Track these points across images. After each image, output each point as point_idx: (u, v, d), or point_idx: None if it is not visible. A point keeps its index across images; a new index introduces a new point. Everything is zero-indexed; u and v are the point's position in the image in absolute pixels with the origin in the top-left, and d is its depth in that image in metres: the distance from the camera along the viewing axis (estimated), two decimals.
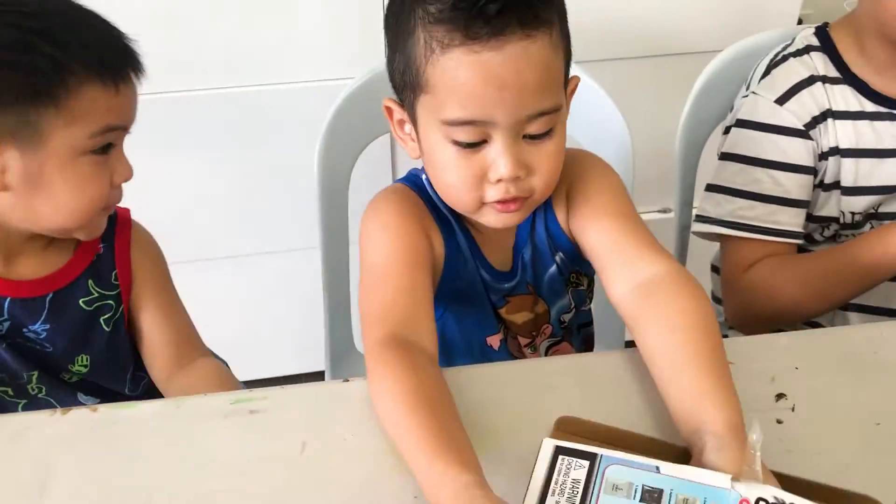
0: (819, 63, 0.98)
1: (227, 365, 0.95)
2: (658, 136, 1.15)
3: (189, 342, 0.89)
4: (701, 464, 0.58)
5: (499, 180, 0.71)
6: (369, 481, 0.62)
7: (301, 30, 1.26)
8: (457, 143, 0.70)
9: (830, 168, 0.98)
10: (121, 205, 0.83)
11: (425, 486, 0.58)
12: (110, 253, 0.85)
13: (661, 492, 0.54)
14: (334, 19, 1.18)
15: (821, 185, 0.99)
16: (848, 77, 0.97)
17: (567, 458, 0.56)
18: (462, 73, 0.66)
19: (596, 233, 0.78)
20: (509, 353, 0.87)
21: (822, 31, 1.00)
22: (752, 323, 1.00)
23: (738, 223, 0.97)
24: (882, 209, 1.01)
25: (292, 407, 0.69)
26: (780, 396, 0.70)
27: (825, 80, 0.97)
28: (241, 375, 0.95)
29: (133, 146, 1.23)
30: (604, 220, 0.78)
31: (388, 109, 0.77)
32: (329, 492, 0.62)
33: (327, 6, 1.24)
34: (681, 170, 1.12)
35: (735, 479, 0.55)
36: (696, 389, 0.63)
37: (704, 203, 1.01)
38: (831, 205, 1.00)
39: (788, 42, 1.01)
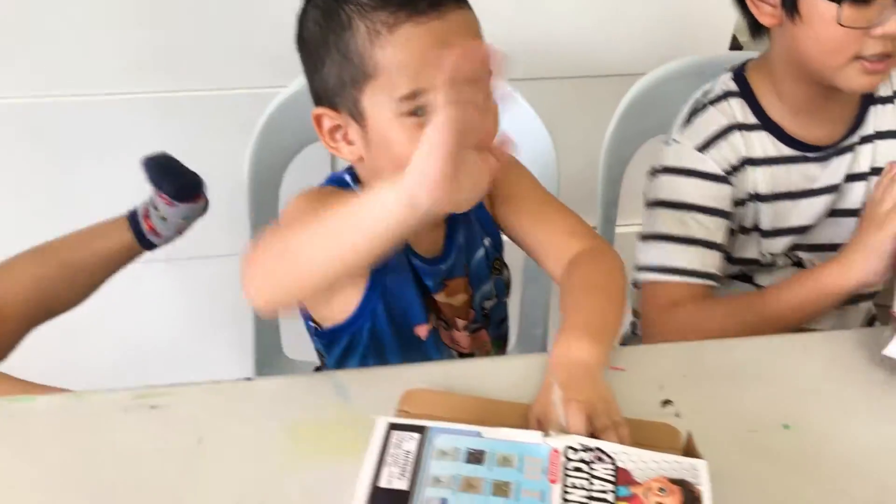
0: (737, 110, 1.00)
1: None
2: (583, 154, 1.18)
3: None
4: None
5: None
6: (261, 479, 0.64)
7: (238, 37, 1.29)
8: (412, 114, 0.73)
9: (749, 213, 1.01)
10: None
11: (376, 209, 0.62)
12: None
13: (482, 453, 0.60)
14: (272, 27, 1.20)
15: (740, 230, 1.02)
16: (765, 122, 0.99)
17: (399, 432, 0.61)
18: (413, 45, 0.71)
19: (527, 225, 0.87)
20: (438, 343, 0.89)
21: (739, 76, 1.02)
22: None
23: (666, 268, 0.98)
24: (797, 242, 1.04)
25: (193, 403, 0.71)
26: (666, 402, 0.73)
27: (742, 127, 0.99)
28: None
29: (57, 151, 1.25)
30: (531, 212, 0.87)
31: (318, 119, 0.79)
32: (222, 487, 0.64)
33: (262, 15, 1.26)
34: (603, 188, 1.16)
35: (545, 434, 0.61)
36: (567, 321, 0.74)
37: (639, 253, 1.01)
38: (751, 247, 1.03)
39: (708, 88, 1.03)
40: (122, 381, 0.74)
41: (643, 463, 0.60)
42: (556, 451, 0.60)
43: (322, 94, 0.79)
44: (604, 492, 0.58)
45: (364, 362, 0.86)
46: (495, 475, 0.58)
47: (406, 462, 0.58)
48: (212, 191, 1.32)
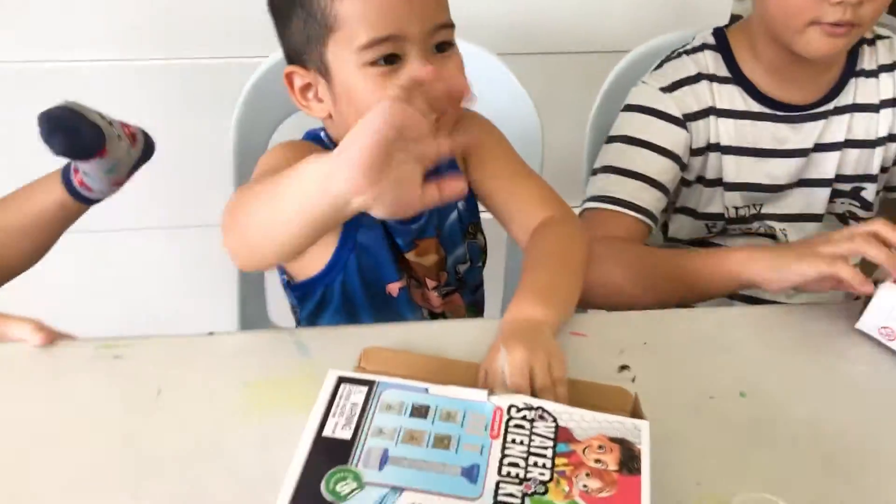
0: (710, 61, 1.01)
1: None
2: (569, 130, 1.18)
3: None
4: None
5: None
6: (216, 429, 0.66)
7: (225, 6, 1.29)
8: (374, 63, 0.75)
9: (711, 164, 1.01)
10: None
11: (304, 182, 0.60)
12: None
13: (427, 408, 0.60)
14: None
15: (702, 181, 1.03)
16: (737, 77, 1.01)
17: (348, 385, 0.62)
18: None
19: (497, 191, 0.88)
20: (410, 301, 0.90)
21: (719, 32, 1.04)
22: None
23: (604, 196, 0.98)
24: (765, 210, 1.05)
25: (155, 355, 0.72)
26: (623, 368, 0.74)
27: (713, 78, 1.01)
28: None
29: None
30: (502, 179, 0.88)
31: (289, 77, 0.81)
32: (178, 436, 0.65)
33: None
34: (588, 163, 1.15)
35: (491, 393, 0.62)
36: (521, 285, 0.75)
37: (588, 186, 1.03)
38: (716, 201, 1.04)
39: (690, 40, 1.05)
40: None
41: (585, 422, 0.61)
42: (499, 408, 0.61)
43: (292, 54, 0.80)
44: (543, 448, 0.58)
45: (336, 319, 0.88)
46: (438, 429, 0.59)
47: (352, 414, 0.59)
48: (200, 159, 1.34)
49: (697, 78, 1.00)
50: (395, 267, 0.88)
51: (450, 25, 0.78)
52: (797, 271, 0.81)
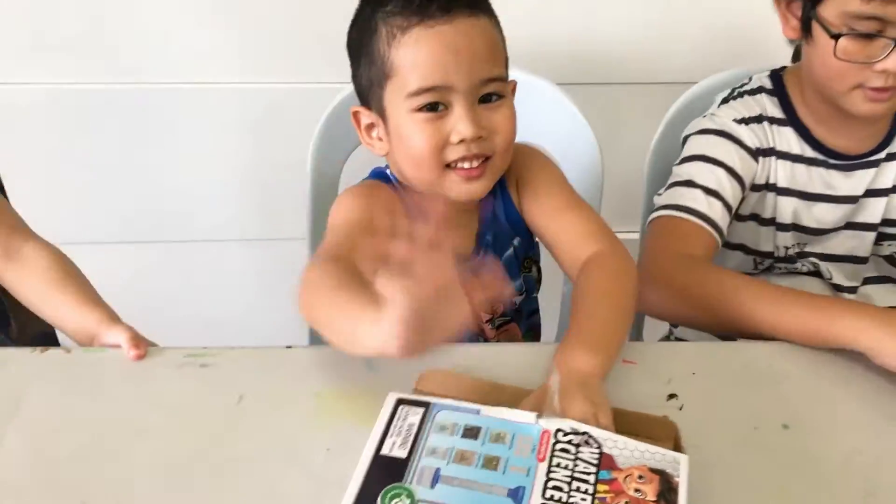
0: (768, 104, 1.03)
1: (59, 250, 0.94)
2: (629, 161, 1.21)
3: (14, 230, 0.92)
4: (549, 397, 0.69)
5: (461, 141, 0.82)
6: (288, 436, 0.72)
7: (305, 35, 1.37)
8: (421, 109, 0.81)
9: (768, 203, 1.03)
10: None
11: (357, 329, 0.63)
12: None
13: (479, 429, 0.65)
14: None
15: (756, 219, 1.04)
16: (793, 121, 1.02)
17: (406, 406, 0.67)
18: (422, 46, 0.80)
19: (548, 225, 0.92)
20: (468, 332, 0.94)
21: (776, 75, 1.05)
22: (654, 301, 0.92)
23: (677, 205, 0.97)
24: (809, 249, 1.07)
25: (237, 365, 0.80)
26: (671, 396, 0.77)
27: (772, 120, 1.02)
28: None
29: (147, 134, 1.33)
30: (554, 212, 0.91)
31: (356, 116, 0.89)
32: (255, 441, 0.72)
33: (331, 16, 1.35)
34: (648, 193, 1.18)
35: (539, 415, 0.66)
36: (572, 328, 0.78)
37: (658, 199, 1.02)
38: (768, 239, 1.05)
39: (746, 81, 1.07)
40: None
41: (628, 451, 0.65)
42: (546, 431, 0.65)
43: (360, 94, 0.88)
44: (587, 473, 0.63)
45: None
46: (487, 450, 0.63)
47: (409, 434, 0.65)
48: (280, 177, 1.43)
49: (760, 119, 1.02)
50: None
51: (500, 79, 0.83)
52: None
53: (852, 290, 1.09)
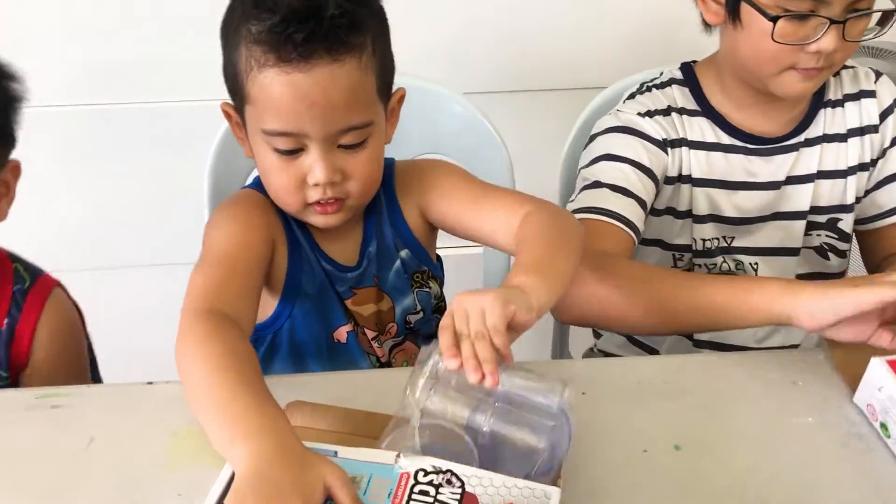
0: (679, 96, 1.01)
1: None
2: (540, 169, 1.17)
3: None
4: None
5: (316, 184, 0.77)
6: (141, 479, 0.67)
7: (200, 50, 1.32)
8: (277, 150, 0.77)
9: (683, 196, 1.00)
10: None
11: (226, 431, 0.60)
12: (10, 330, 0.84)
13: None
14: None
15: (672, 212, 1.01)
16: (706, 110, 1.00)
17: None
18: (275, 90, 0.73)
19: (467, 216, 0.88)
20: (359, 346, 0.90)
21: (687, 67, 1.03)
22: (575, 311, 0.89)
23: (590, 208, 0.93)
24: (737, 243, 1.03)
25: (91, 404, 0.74)
26: None
27: (683, 111, 1.00)
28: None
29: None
30: (468, 202, 0.88)
31: (227, 113, 0.82)
32: (103, 485, 0.66)
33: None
34: (562, 199, 1.14)
35: (399, 456, 0.61)
36: (516, 262, 0.75)
37: (569, 205, 0.98)
38: (685, 233, 1.02)
39: (657, 76, 1.04)
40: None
41: (493, 488, 0.60)
42: (406, 473, 0.60)
43: (227, 88, 0.80)
44: None
45: (285, 365, 0.88)
46: None
47: None
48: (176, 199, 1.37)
49: (668, 111, 0.99)
50: (341, 311, 0.88)
51: (361, 126, 0.77)
52: (853, 300, 0.73)
53: None
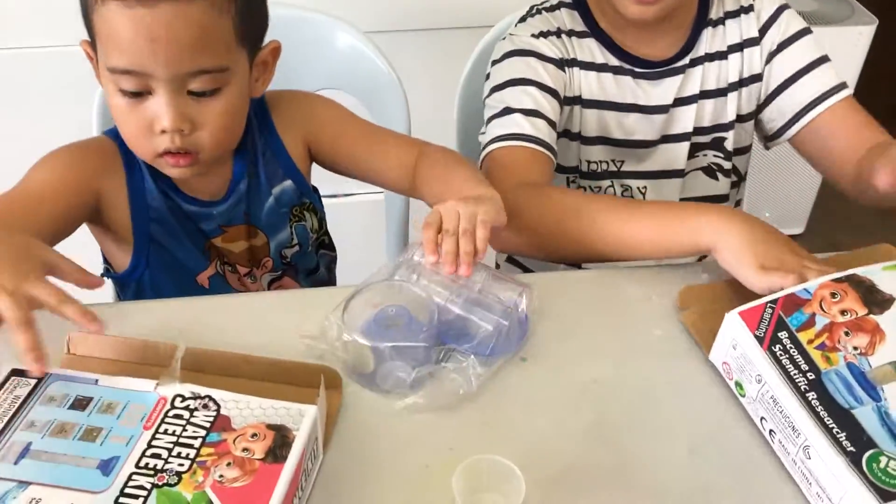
0: (567, 18, 0.97)
1: None
2: (437, 107, 1.14)
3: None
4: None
5: (163, 131, 0.75)
6: None
7: None
8: (123, 91, 0.74)
9: (574, 117, 0.97)
10: None
11: None
12: None
13: (90, 399, 0.60)
14: None
15: (567, 135, 0.98)
16: (595, 31, 0.96)
17: (17, 378, 0.62)
18: (117, 24, 0.71)
19: (359, 155, 0.90)
20: (228, 288, 0.89)
21: None
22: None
23: (506, 135, 0.91)
24: (626, 168, 0.99)
25: None
26: None
27: (572, 33, 0.96)
28: None
29: None
30: (360, 142, 0.90)
31: (87, 53, 0.79)
32: None
33: None
34: (459, 139, 1.12)
35: (159, 384, 0.61)
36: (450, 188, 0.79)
37: (483, 137, 0.96)
38: (572, 154, 0.99)
39: (545, 0, 1.00)
40: None
41: (249, 410, 0.59)
42: (163, 398, 0.60)
43: (84, 18, 0.76)
44: (193, 437, 0.57)
45: None
46: (91, 421, 0.58)
47: (10, 407, 0.59)
48: None
49: (559, 33, 0.96)
50: (202, 255, 0.87)
51: (213, 71, 0.74)
52: (749, 280, 0.71)
53: None
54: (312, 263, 0.97)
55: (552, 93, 0.93)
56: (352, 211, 1.46)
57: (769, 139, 1.00)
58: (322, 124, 0.90)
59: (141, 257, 0.86)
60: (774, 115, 0.97)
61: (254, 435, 0.57)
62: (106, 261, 0.91)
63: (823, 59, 0.95)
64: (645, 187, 0.99)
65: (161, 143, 0.76)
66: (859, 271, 0.70)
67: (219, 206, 0.87)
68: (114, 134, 0.84)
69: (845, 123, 0.92)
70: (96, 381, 0.62)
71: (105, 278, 0.90)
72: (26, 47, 1.38)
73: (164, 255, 0.86)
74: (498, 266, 1.11)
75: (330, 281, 1.03)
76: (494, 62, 0.98)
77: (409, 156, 0.88)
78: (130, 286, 0.88)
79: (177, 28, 0.70)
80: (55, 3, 1.28)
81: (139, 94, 0.74)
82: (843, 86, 0.94)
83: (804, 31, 0.95)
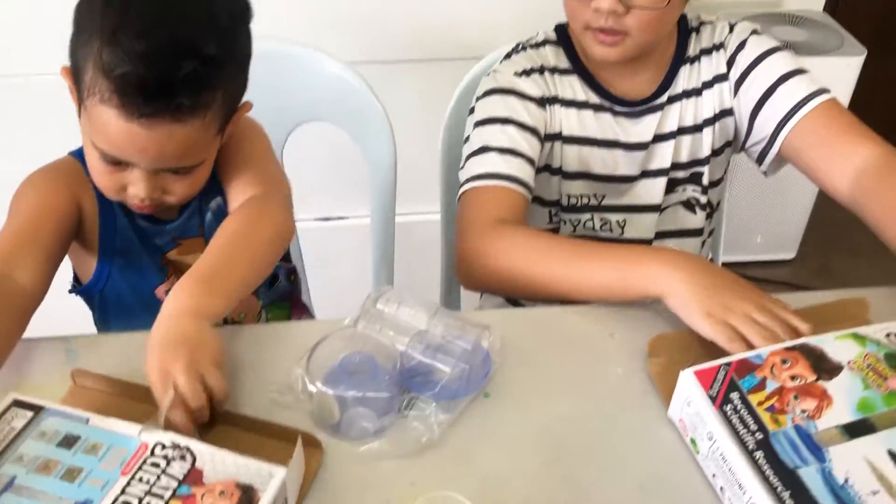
0: (551, 55, 1.02)
1: None
2: (423, 138, 1.17)
3: None
4: None
5: (136, 195, 0.81)
6: None
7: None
8: (103, 157, 0.78)
9: (556, 153, 1.01)
10: None
11: None
12: None
13: (77, 438, 0.65)
14: None
15: (549, 170, 1.03)
16: (579, 69, 1.00)
17: (17, 409, 0.66)
18: (111, 127, 0.75)
19: (226, 182, 0.89)
20: None
21: (561, 29, 1.03)
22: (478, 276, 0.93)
23: (483, 174, 0.95)
24: (607, 202, 1.04)
25: None
26: None
27: (555, 70, 1.01)
28: None
29: None
30: (231, 168, 0.89)
31: (66, 78, 0.80)
32: None
33: None
34: (443, 172, 1.15)
35: (144, 430, 0.65)
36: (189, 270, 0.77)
37: (461, 173, 0.99)
38: (553, 188, 1.04)
39: (533, 36, 1.04)
40: None
41: (223, 465, 0.64)
42: (144, 444, 0.65)
43: (71, 60, 0.78)
44: (165, 488, 0.62)
45: (120, 322, 0.92)
46: (74, 461, 0.63)
47: (5, 438, 0.64)
48: None
49: (542, 70, 1.00)
50: (156, 271, 0.90)
51: (191, 166, 0.80)
52: (698, 326, 0.76)
53: (647, 243, 1.07)
54: (273, 277, 1.01)
55: (531, 131, 0.97)
56: (338, 234, 1.50)
57: (762, 164, 1.01)
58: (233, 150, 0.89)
59: (105, 266, 0.90)
60: (757, 138, 1.00)
61: (221, 492, 0.62)
62: (76, 277, 0.95)
63: (797, 72, 0.96)
64: (624, 220, 1.05)
65: (131, 200, 0.82)
66: (812, 340, 0.74)
67: (172, 223, 0.91)
68: (79, 154, 0.87)
69: (829, 127, 0.93)
70: (87, 420, 0.66)
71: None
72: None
73: (125, 265, 0.90)
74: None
75: (294, 292, 1.07)
76: (478, 98, 1.02)
77: (240, 199, 0.86)
78: (94, 299, 0.92)
79: (166, 144, 0.76)
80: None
81: (118, 163, 0.79)
82: (822, 91, 0.94)
83: (771, 51, 0.97)
